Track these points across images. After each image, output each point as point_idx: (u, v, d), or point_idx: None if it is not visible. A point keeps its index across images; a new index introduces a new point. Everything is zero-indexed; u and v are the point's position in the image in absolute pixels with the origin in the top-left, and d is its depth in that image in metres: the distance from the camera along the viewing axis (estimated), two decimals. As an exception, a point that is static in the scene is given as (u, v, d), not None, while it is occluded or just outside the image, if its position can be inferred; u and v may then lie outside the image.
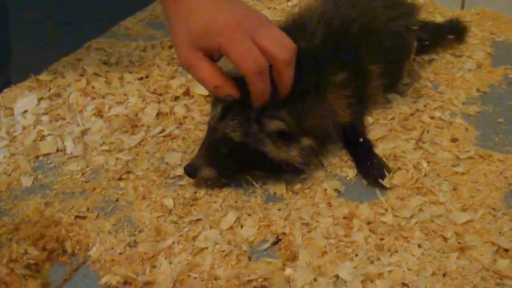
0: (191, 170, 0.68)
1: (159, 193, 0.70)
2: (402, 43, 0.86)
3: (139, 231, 0.64)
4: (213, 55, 0.65)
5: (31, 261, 0.59)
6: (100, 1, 1.65)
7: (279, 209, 0.67)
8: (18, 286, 0.57)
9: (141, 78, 0.95)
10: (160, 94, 0.90)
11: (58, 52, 1.02)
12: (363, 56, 0.80)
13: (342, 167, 0.74)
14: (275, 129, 0.66)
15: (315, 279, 0.57)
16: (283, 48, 0.63)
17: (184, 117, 0.85)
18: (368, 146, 0.76)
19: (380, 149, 0.76)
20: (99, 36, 1.10)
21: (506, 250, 0.60)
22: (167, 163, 0.75)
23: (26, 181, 0.72)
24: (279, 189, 0.70)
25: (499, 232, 0.63)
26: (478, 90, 0.91)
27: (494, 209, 0.66)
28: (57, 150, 0.78)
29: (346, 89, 0.74)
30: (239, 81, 0.64)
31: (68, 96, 0.89)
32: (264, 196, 0.70)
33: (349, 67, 0.76)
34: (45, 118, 0.84)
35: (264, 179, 0.71)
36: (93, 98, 0.89)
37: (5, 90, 0.91)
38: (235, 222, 0.65)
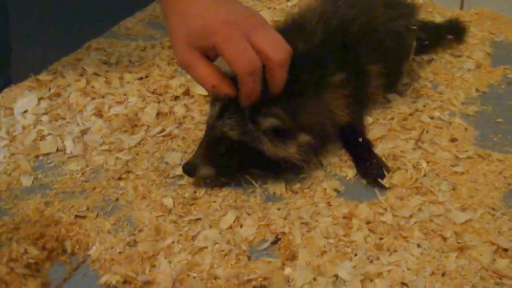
0: (189, 169, 0.69)
1: (158, 193, 0.70)
2: (402, 43, 0.86)
3: (139, 231, 0.64)
4: (209, 55, 0.65)
5: (31, 261, 0.59)
6: (100, 1, 1.65)
7: (279, 209, 0.67)
8: (18, 285, 0.57)
9: (141, 78, 0.95)
10: (160, 94, 0.90)
11: (58, 52, 1.03)
12: (363, 56, 0.80)
13: (341, 166, 0.75)
14: (270, 126, 0.66)
15: (314, 279, 0.57)
16: (278, 50, 0.63)
17: (184, 117, 0.85)
18: (367, 146, 0.76)
19: (379, 149, 0.76)
20: (99, 36, 1.10)
21: (505, 250, 0.60)
22: (166, 163, 0.75)
23: (26, 181, 0.73)
24: (278, 188, 0.70)
25: (498, 232, 0.63)
26: (477, 90, 0.91)
27: (493, 209, 0.66)
28: (57, 150, 0.78)
29: (345, 89, 0.74)
30: (236, 80, 0.64)
31: (68, 96, 0.89)
32: (263, 196, 0.70)
33: (349, 67, 0.76)
34: (45, 118, 0.84)
35: (263, 178, 0.72)
36: (93, 98, 0.89)
37: (5, 90, 0.92)
38: (234, 221, 0.65)
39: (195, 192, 0.70)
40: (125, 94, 0.90)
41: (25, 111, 0.86)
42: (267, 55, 0.62)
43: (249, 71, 0.61)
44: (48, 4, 1.71)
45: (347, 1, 0.84)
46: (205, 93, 0.88)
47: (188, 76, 0.91)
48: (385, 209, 0.66)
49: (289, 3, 1.22)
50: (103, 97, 0.89)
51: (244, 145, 0.67)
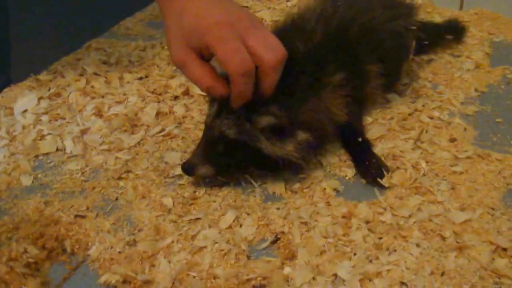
0: (188, 168, 0.69)
1: (158, 192, 0.70)
2: (401, 43, 0.86)
3: (139, 230, 0.64)
4: (204, 55, 0.64)
5: (31, 260, 0.59)
6: (100, 1, 1.65)
7: (278, 208, 0.67)
8: (17, 285, 0.57)
9: (140, 78, 0.95)
10: (160, 94, 0.90)
11: (58, 52, 1.03)
12: (362, 56, 0.80)
13: (341, 166, 0.75)
14: (267, 125, 0.66)
15: (313, 278, 0.58)
16: (272, 52, 0.62)
17: (184, 117, 0.85)
18: (366, 146, 0.76)
19: (378, 149, 0.76)
20: (99, 36, 1.10)
21: (504, 250, 0.61)
22: (166, 163, 0.75)
23: (26, 181, 0.73)
24: (278, 188, 0.70)
25: (497, 232, 0.63)
26: (476, 90, 0.91)
27: (493, 209, 0.66)
28: (57, 150, 0.79)
29: (344, 88, 0.74)
30: None
31: (68, 96, 0.89)
32: (263, 196, 0.70)
33: (348, 67, 0.76)
34: (44, 118, 0.84)
35: (263, 178, 0.72)
36: (93, 98, 0.89)
37: (5, 89, 0.92)
38: (234, 221, 0.65)
39: (194, 191, 0.70)
40: (124, 94, 0.90)
41: (25, 111, 0.86)
42: (260, 57, 0.61)
43: (241, 72, 0.61)
44: (48, 4, 1.71)
45: (347, 1, 0.84)
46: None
47: (188, 76, 0.92)
48: (385, 209, 0.66)
49: (289, 3, 1.23)
50: (103, 97, 0.90)
51: (242, 144, 0.67)
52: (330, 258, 0.60)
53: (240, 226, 0.65)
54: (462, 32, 1.06)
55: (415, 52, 0.92)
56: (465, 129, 0.81)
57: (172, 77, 0.94)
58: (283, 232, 0.63)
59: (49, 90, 0.90)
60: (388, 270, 0.58)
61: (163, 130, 0.82)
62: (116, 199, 0.70)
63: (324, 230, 0.63)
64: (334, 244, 0.62)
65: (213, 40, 0.61)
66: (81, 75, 0.95)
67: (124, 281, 0.58)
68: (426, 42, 0.96)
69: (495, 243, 0.61)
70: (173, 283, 0.57)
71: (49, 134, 0.81)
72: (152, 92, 0.90)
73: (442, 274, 0.58)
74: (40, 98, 0.88)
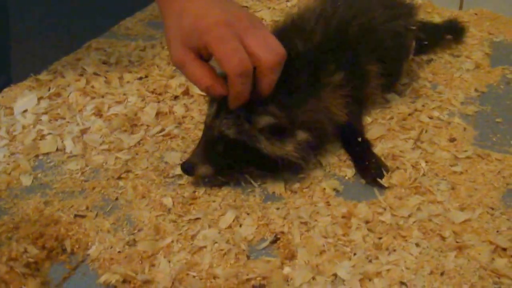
0: (188, 168, 0.69)
1: (158, 192, 0.70)
2: (401, 43, 0.87)
3: (138, 230, 0.64)
4: (203, 55, 0.64)
5: (31, 260, 0.59)
6: (100, 1, 1.66)
7: (278, 208, 0.67)
8: (17, 285, 0.57)
9: (140, 78, 0.95)
10: (160, 94, 0.90)
11: (58, 52, 1.03)
12: (362, 56, 0.80)
13: (340, 166, 0.75)
14: (266, 125, 0.66)
15: (313, 278, 0.58)
16: (270, 52, 0.62)
17: (184, 117, 0.85)
18: (366, 146, 0.76)
19: (378, 149, 0.76)
20: (99, 36, 1.10)
21: (504, 249, 0.61)
22: (166, 162, 0.75)
23: (26, 180, 0.73)
24: (277, 188, 0.70)
25: (497, 231, 0.63)
26: (476, 90, 0.91)
27: (492, 208, 0.66)
28: (57, 149, 0.79)
29: (344, 88, 0.74)
30: None
31: (68, 96, 0.89)
32: (262, 195, 0.70)
33: (348, 67, 0.76)
34: (44, 118, 0.85)
35: (262, 178, 0.72)
36: (93, 98, 0.89)
37: (5, 89, 0.92)
38: (233, 221, 0.65)
39: (194, 191, 0.70)
40: (124, 94, 0.90)
41: (25, 111, 0.86)
42: (258, 57, 0.61)
43: (239, 72, 0.61)
44: (48, 4, 1.72)
45: (347, 1, 0.84)
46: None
47: (188, 76, 0.92)
48: (384, 209, 0.66)
49: (289, 3, 1.23)
50: (102, 96, 0.90)
51: (241, 144, 0.67)
52: (329, 258, 0.60)
53: (240, 226, 0.65)
54: (461, 32, 1.06)
55: (415, 52, 0.92)
56: (464, 129, 0.81)
57: (172, 77, 0.94)
58: (282, 232, 0.63)
59: (49, 90, 0.90)
60: (388, 270, 0.58)
61: (163, 130, 0.82)
62: (116, 199, 0.70)
63: (323, 230, 0.63)
64: (334, 244, 0.62)
65: (212, 40, 0.61)
66: (81, 75, 0.95)
67: (124, 281, 0.58)
68: (426, 42, 0.96)
69: (495, 243, 0.61)
70: (172, 283, 0.57)
71: (49, 134, 0.81)
72: (152, 92, 0.91)
73: (442, 274, 0.58)
74: (40, 98, 0.88)
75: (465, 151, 0.76)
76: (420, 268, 0.58)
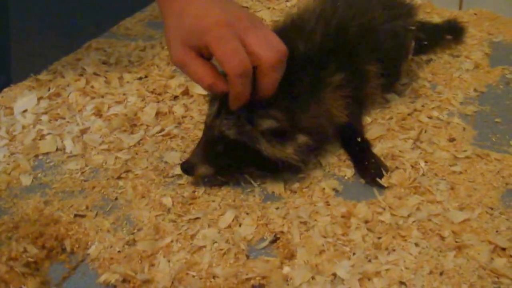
0: (187, 168, 0.69)
1: (158, 192, 0.70)
2: (400, 43, 0.87)
3: (138, 230, 0.64)
4: (204, 54, 0.64)
5: (30, 259, 0.59)
6: (100, 1, 1.66)
7: (277, 208, 0.67)
8: (17, 284, 0.57)
9: (140, 78, 0.95)
10: (159, 94, 0.90)
11: (58, 52, 1.03)
12: (361, 56, 0.80)
13: (340, 166, 0.75)
14: (268, 128, 0.66)
15: (312, 278, 0.58)
16: (270, 50, 0.62)
17: (183, 117, 0.85)
18: (366, 146, 0.76)
19: (378, 149, 0.77)
20: (99, 36, 1.10)
21: (503, 249, 0.61)
22: (166, 162, 0.75)
23: (26, 180, 0.73)
24: (277, 188, 0.70)
25: (496, 231, 0.63)
26: (475, 90, 0.91)
27: (491, 208, 0.66)
28: (57, 149, 0.79)
29: (344, 89, 0.75)
30: None
31: (68, 96, 0.90)
32: (262, 195, 0.70)
33: (347, 67, 0.76)
34: (44, 118, 0.85)
35: (262, 178, 0.72)
36: (93, 98, 0.89)
37: (5, 89, 0.92)
38: (233, 220, 0.65)
39: (194, 191, 0.70)
40: (124, 94, 0.90)
41: (25, 111, 0.86)
42: (258, 56, 0.61)
43: (239, 72, 0.61)
44: (48, 4, 1.72)
45: (346, 2, 0.84)
46: (205, 92, 0.88)
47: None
48: (384, 209, 0.66)
49: (288, 3, 1.23)
50: (102, 96, 0.90)
51: (242, 145, 0.67)
52: (329, 257, 0.60)
53: (240, 225, 0.65)
54: (461, 32, 1.06)
55: (415, 52, 0.92)
56: (464, 129, 0.81)
57: (172, 77, 0.94)
58: (282, 232, 0.64)
59: (49, 90, 0.90)
60: (387, 270, 0.58)
61: (162, 130, 0.82)
62: (116, 198, 0.70)
63: (323, 230, 0.63)
64: (333, 243, 0.62)
65: (213, 40, 0.61)
66: (81, 75, 0.95)
67: (124, 280, 0.58)
68: (426, 42, 0.96)
69: (494, 243, 0.61)
70: (172, 282, 0.57)
71: (49, 133, 0.81)
72: (152, 92, 0.91)
73: (441, 273, 0.58)
74: (40, 98, 0.89)
75: (465, 151, 0.76)
76: (420, 267, 0.58)
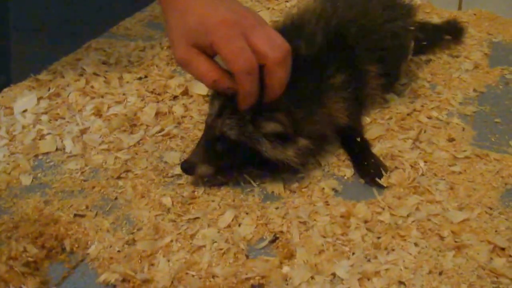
0: (188, 167, 0.69)
1: (157, 192, 0.70)
2: (400, 44, 0.87)
3: (138, 229, 0.64)
4: (207, 53, 0.64)
5: (30, 259, 0.59)
6: (100, 1, 1.66)
7: (277, 208, 0.67)
8: (17, 284, 0.57)
9: (140, 78, 0.95)
10: (159, 94, 0.90)
11: (58, 52, 1.03)
12: (361, 56, 0.80)
13: (339, 166, 0.75)
14: (272, 131, 0.66)
15: (312, 277, 0.58)
16: (275, 48, 0.62)
17: (183, 117, 0.85)
18: (365, 146, 0.77)
19: (377, 149, 0.77)
20: (99, 36, 1.10)
21: (502, 249, 0.61)
22: (165, 162, 0.76)
23: (26, 180, 0.73)
24: (276, 188, 0.70)
25: (495, 231, 0.63)
26: (475, 90, 0.92)
27: (491, 208, 0.67)
28: (57, 149, 0.79)
29: (345, 91, 0.75)
30: None
31: (68, 96, 0.90)
32: (261, 195, 0.70)
33: (347, 68, 0.76)
34: (44, 118, 0.85)
35: (262, 178, 0.72)
36: (92, 98, 0.89)
37: (5, 89, 0.92)
38: (232, 220, 0.65)
39: (193, 191, 0.70)
40: (124, 94, 0.90)
41: (25, 111, 0.86)
42: (264, 54, 0.62)
43: (246, 70, 0.61)
44: (48, 4, 1.72)
45: (346, 2, 0.84)
46: (204, 92, 0.88)
47: (187, 76, 0.93)
48: (383, 208, 0.67)
49: (288, 4, 1.23)
50: (102, 97, 0.90)
51: (242, 145, 0.67)
52: (328, 257, 0.60)
53: (239, 225, 0.65)
54: (460, 32, 1.07)
55: (414, 53, 0.92)
56: (463, 129, 0.81)
57: (171, 77, 0.94)
58: (281, 232, 0.64)
59: (48, 90, 0.90)
60: (387, 270, 0.58)
61: (162, 130, 0.82)
62: (116, 198, 0.70)
63: (322, 230, 0.63)
64: (333, 243, 0.62)
65: (218, 39, 0.61)
66: (81, 75, 0.95)
67: (123, 280, 0.58)
68: (425, 43, 0.97)
69: (493, 243, 0.61)
70: (172, 282, 0.58)
71: (49, 133, 0.81)
72: (152, 92, 0.91)
73: (440, 273, 0.58)
74: (39, 98, 0.89)
75: (464, 151, 0.76)
76: (419, 267, 0.59)
